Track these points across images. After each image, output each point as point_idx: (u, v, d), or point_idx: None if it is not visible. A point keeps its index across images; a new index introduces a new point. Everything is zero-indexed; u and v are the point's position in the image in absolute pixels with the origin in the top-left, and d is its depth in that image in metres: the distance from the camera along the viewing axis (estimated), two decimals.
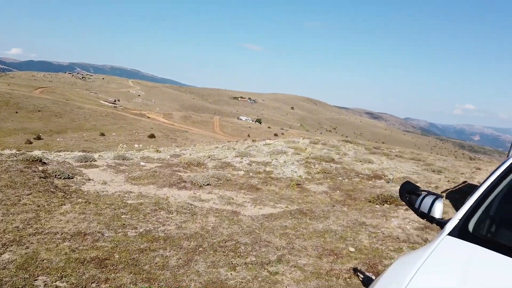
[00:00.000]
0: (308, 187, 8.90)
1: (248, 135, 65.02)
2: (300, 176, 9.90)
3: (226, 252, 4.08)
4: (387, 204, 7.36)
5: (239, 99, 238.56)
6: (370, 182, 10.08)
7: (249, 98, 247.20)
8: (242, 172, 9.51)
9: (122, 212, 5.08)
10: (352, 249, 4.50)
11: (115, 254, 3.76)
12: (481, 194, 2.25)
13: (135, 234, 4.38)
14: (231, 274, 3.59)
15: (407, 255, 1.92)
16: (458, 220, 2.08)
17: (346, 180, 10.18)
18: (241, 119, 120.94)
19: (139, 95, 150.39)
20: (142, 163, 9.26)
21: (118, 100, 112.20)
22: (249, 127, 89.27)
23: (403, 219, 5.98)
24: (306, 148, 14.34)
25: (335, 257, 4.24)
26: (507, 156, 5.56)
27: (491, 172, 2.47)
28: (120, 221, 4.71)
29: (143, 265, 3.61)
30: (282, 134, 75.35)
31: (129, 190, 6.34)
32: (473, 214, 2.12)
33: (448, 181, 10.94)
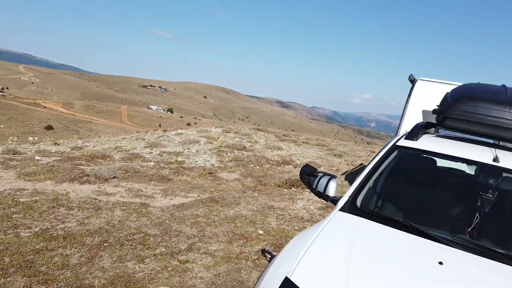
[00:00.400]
0: (221, 175, 8.99)
1: (159, 125, 62.85)
2: (212, 164, 9.94)
3: (134, 245, 3.94)
4: (294, 187, 7.81)
5: (148, 87, 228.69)
6: (279, 168, 10.57)
7: (160, 87, 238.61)
8: (152, 163, 9.20)
9: (13, 212, 4.56)
10: (261, 232, 4.70)
11: (5, 258, 3.37)
12: (366, 174, 2.53)
13: (29, 234, 3.98)
14: (139, 267, 3.49)
15: (303, 232, 2.08)
16: (348, 197, 2.32)
17: (257, 167, 10.52)
18: (151, 109, 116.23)
19: (32, 82, 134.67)
20: (37, 157, 8.37)
21: (7, 88, 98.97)
22: (160, 116, 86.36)
23: (308, 201, 6.42)
24: (218, 137, 14.42)
25: (245, 240, 4.38)
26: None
27: (376, 154, 2.79)
28: (10, 222, 4.23)
29: (39, 267, 3.30)
30: (195, 123, 74.43)
31: (21, 187, 5.69)
32: (360, 191, 2.38)
33: (348, 164, 12.00)
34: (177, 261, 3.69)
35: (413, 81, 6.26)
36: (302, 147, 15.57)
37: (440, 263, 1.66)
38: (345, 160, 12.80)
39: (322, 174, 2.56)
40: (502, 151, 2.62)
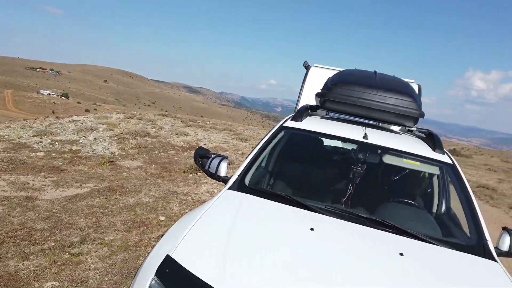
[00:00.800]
0: (122, 164, 8.58)
1: (53, 112, 56.90)
2: (112, 153, 9.41)
3: (17, 241, 3.58)
4: (200, 172, 7.83)
5: (38, 70, 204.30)
6: (185, 154, 10.47)
7: (51, 69, 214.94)
8: (42, 153, 8.35)
9: None
10: (162, 218, 4.65)
11: None
12: (255, 154, 2.68)
13: None
14: (23, 264, 3.19)
15: (191, 212, 2.13)
16: (237, 176, 2.43)
17: (162, 153, 10.27)
18: (42, 94, 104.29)
19: None
20: None
21: None
22: (54, 102, 78.14)
23: (212, 184, 6.51)
24: (119, 124, 13.65)
25: (145, 228, 4.30)
26: None
27: (265, 135, 2.96)
28: None
29: None
30: (95, 110, 69.04)
31: None
32: (249, 170, 2.51)
33: (252, 147, 12.41)
34: (68, 254, 3.46)
35: (307, 67, 6.71)
36: (209, 132, 15.61)
37: (312, 229, 1.87)
38: (250, 144, 13.22)
39: (214, 155, 2.63)
40: (371, 129, 2.99)
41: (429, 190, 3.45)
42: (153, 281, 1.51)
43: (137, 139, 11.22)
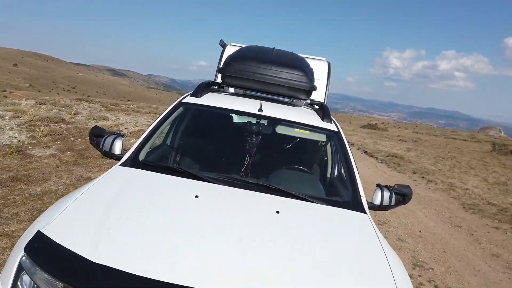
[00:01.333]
0: (33, 153, 7.98)
1: None
2: (20, 141, 8.68)
3: None
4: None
5: None
6: None
7: None
8: None
9: None
10: None
11: None
12: (151, 130, 2.71)
13: None
14: None
15: (77, 189, 2.11)
16: (131, 153, 2.45)
17: (79, 139, 9.71)
18: None
19: None
20: None
21: None
22: None
23: None
24: (29, 110, 12.55)
25: None
26: None
27: (164, 111, 2.99)
28: None
29: None
30: (5, 97, 62.20)
31: None
32: (143, 146, 2.54)
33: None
34: None
35: (224, 45, 6.77)
36: (132, 116, 15.01)
37: (196, 196, 1.98)
38: None
39: (109, 134, 2.61)
40: (266, 102, 3.17)
41: (325, 158, 3.77)
42: (23, 258, 1.46)
43: (50, 125, 10.46)
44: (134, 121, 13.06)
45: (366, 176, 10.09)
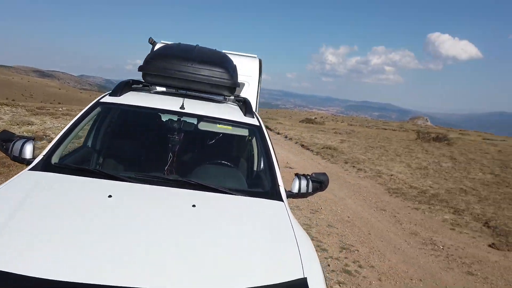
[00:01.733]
0: None
1: None
2: None
3: None
4: None
5: None
6: None
7: None
8: None
9: None
10: None
11: None
12: (65, 131, 2.63)
13: None
14: None
15: None
16: (43, 156, 2.37)
17: None
18: None
19: None
20: None
21: None
22: None
23: None
24: None
25: None
26: None
27: (80, 112, 2.92)
28: None
29: None
30: None
31: None
32: (56, 149, 2.46)
33: None
34: None
35: (153, 43, 6.65)
36: (61, 120, 14.15)
37: (110, 196, 1.98)
38: None
39: (18, 138, 2.50)
40: (189, 99, 3.21)
41: (252, 152, 3.90)
42: None
43: None
44: (63, 125, 12.32)
45: (301, 167, 10.51)
